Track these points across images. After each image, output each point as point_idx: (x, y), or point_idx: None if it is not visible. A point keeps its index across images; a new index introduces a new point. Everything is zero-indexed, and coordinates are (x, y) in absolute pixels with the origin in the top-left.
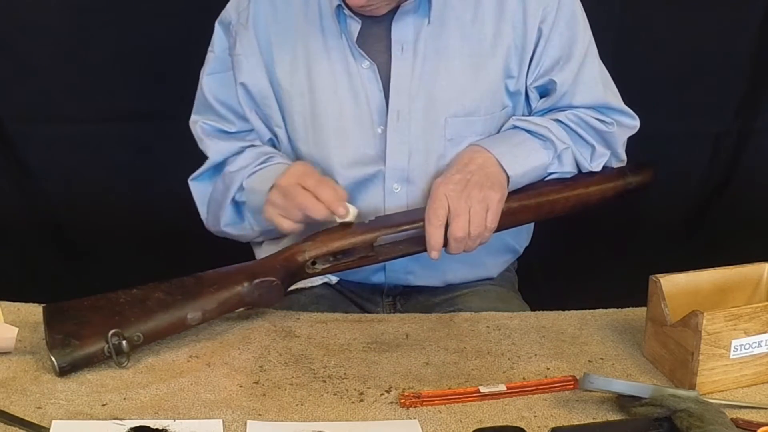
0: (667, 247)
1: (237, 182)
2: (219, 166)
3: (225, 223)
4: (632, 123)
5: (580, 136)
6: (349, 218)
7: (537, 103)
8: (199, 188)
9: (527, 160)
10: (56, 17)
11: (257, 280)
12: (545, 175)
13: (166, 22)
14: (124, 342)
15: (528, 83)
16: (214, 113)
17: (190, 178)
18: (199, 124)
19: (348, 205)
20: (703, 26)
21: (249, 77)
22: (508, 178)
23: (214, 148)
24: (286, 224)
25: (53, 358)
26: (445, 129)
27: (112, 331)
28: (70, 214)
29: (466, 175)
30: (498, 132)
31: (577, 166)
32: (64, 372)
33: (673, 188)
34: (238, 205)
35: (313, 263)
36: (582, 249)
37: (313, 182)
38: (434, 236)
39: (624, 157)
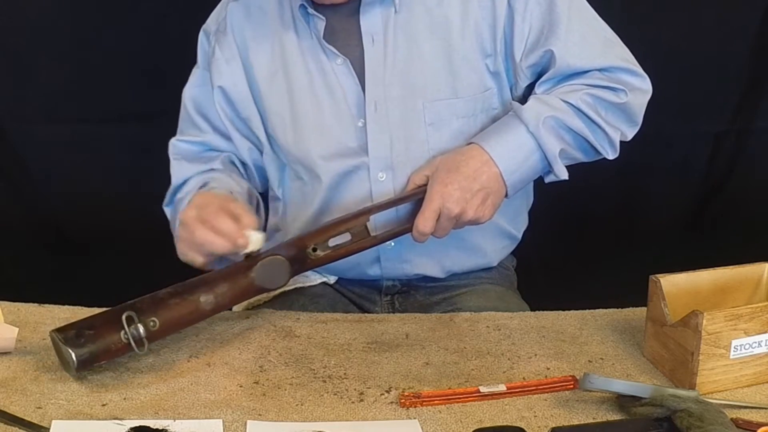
0: (667, 247)
1: (178, 212)
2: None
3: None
4: (641, 85)
5: (592, 120)
6: (251, 248)
7: (539, 80)
8: (170, 214)
9: (529, 175)
10: (55, 17)
11: (264, 259)
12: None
13: (166, 22)
14: (140, 326)
15: (518, 61)
16: (193, 126)
17: (164, 203)
18: (172, 142)
19: (250, 233)
20: (703, 26)
21: (228, 80)
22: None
23: (178, 171)
24: (198, 260)
25: (71, 351)
26: (424, 114)
27: (125, 314)
28: (69, 214)
29: (466, 194)
30: (482, 112)
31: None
32: (82, 365)
33: (673, 188)
34: None
35: (314, 250)
36: (582, 249)
37: (210, 214)
38: (420, 239)
39: (639, 121)
